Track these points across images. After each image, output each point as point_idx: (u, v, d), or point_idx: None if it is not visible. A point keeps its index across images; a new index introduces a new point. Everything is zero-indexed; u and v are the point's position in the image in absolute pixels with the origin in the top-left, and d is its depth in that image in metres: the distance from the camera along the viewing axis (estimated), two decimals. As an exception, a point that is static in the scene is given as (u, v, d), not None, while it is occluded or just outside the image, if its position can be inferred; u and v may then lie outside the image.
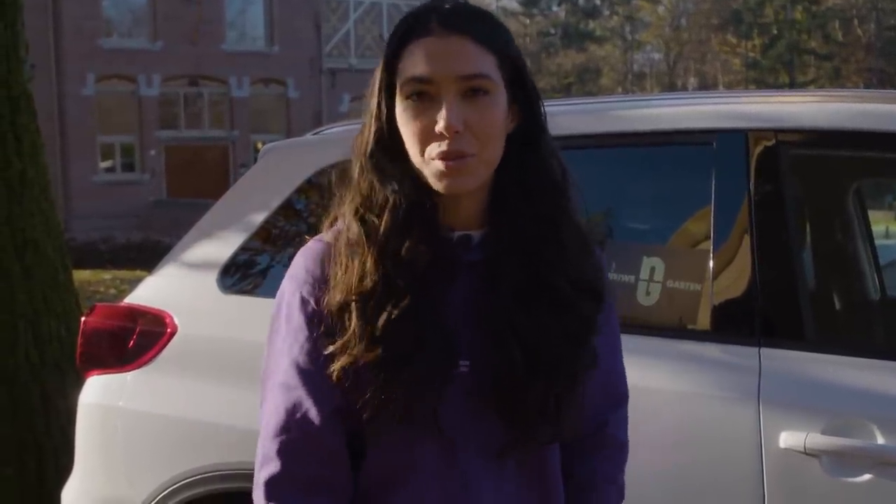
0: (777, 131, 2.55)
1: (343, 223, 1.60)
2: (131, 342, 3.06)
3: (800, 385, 2.39)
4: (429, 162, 1.53)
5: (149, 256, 18.45)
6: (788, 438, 2.31)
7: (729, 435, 2.38)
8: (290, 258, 1.67)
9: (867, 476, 2.25)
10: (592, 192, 2.86)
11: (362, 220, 1.57)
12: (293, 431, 1.56)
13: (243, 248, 3.07)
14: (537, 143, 1.61)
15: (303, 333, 1.58)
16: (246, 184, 3.31)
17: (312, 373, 1.56)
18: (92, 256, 18.50)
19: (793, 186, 2.55)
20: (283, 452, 1.56)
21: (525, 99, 1.60)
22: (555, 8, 53.47)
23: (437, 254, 1.55)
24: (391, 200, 1.56)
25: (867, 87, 44.19)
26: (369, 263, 1.54)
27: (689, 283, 2.55)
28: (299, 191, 3.05)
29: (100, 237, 21.06)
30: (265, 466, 1.57)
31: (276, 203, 3.05)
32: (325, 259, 1.59)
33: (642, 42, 54.93)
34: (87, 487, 3.15)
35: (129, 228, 23.98)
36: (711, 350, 2.50)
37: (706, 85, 51.14)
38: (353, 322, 1.53)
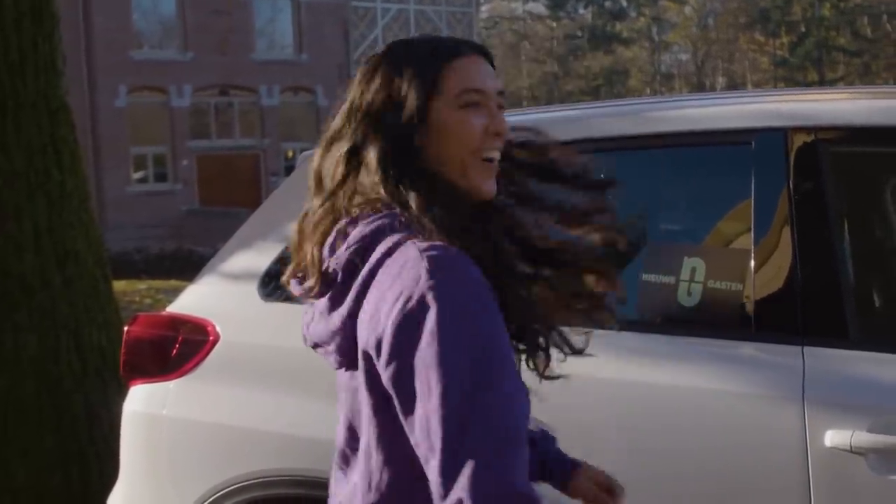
0: (816, 129, 2.54)
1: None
2: (174, 351, 3.08)
3: (844, 383, 2.38)
4: (478, 160, 1.64)
5: (182, 265, 18.62)
6: (834, 437, 2.30)
7: (774, 434, 2.37)
8: None
9: (915, 473, 2.24)
10: (630, 195, 2.89)
11: None
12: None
13: (283, 256, 3.08)
14: None
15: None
16: (284, 192, 3.33)
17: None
18: (126, 266, 18.66)
19: (833, 184, 2.54)
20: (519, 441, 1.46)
21: None
22: (581, 11, 53.37)
23: None
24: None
25: (898, 82, 43.84)
26: None
27: (731, 282, 2.54)
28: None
29: (134, 247, 21.28)
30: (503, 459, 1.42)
31: (315, 210, 3.05)
32: None
33: (669, 43, 54.71)
34: (133, 495, 3.17)
35: (162, 238, 24.17)
36: (754, 350, 2.49)
37: (734, 84, 50.86)
38: None
